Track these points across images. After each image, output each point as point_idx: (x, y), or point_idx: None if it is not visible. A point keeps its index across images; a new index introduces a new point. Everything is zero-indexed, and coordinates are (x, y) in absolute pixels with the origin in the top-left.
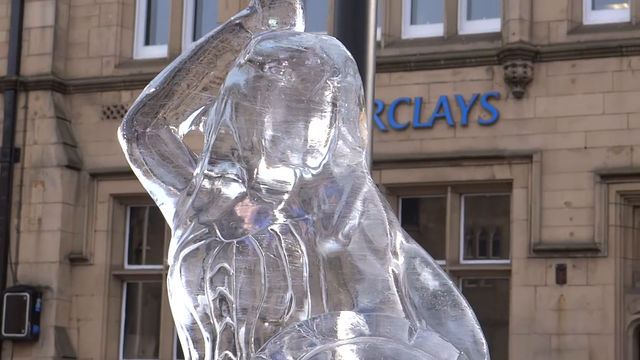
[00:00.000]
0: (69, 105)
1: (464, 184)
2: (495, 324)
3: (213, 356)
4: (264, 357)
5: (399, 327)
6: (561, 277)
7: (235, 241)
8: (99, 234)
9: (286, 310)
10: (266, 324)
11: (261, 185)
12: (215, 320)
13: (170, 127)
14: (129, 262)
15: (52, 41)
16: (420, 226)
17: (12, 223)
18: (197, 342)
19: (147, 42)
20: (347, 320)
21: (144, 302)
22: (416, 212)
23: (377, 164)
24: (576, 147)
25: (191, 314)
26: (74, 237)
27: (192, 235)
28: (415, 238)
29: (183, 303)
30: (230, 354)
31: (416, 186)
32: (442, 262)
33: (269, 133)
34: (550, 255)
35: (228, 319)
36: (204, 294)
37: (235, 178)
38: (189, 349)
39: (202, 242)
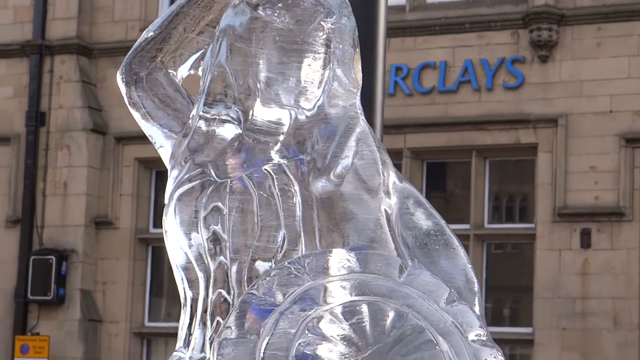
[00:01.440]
0: (94, 69)
1: (489, 148)
2: (520, 289)
3: (207, 295)
4: (254, 293)
5: (390, 264)
6: (586, 241)
7: (228, 180)
8: (124, 198)
9: (279, 250)
10: (258, 263)
11: (256, 127)
12: (209, 259)
13: (169, 70)
14: (154, 226)
15: (77, 5)
16: (444, 191)
17: (38, 187)
18: (192, 282)
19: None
20: (337, 258)
21: (170, 266)
22: (441, 176)
23: (402, 127)
24: (601, 110)
25: (185, 253)
26: (100, 201)
27: (187, 175)
28: (440, 202)
29: (177, 242)
30: (224, 293)
31: (441, 150)
32: (467, 227)
33: (263, 74)
34: (575, 219)
35: (222, 257)
36: (198, 233)
37: (231, 120)
38: (183, 288)
39: (197, 181)
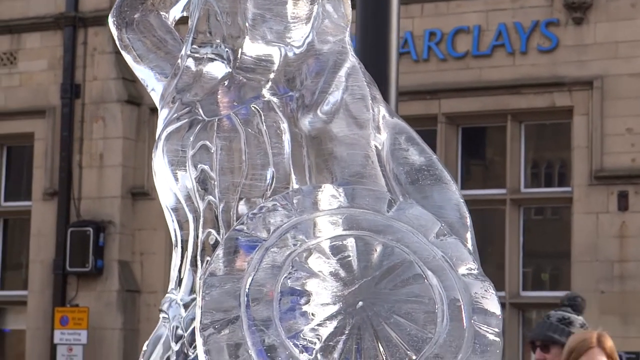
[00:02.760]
0: None
1: (524, 112)
2: (558, 254)
3: (197, 235)
4: (240, 230)
5: (378, 199)
6: (623, 203)
7: (216, 119)
8: None
9: (267, 188)
10: (246, 201)
11: (246, 65)
12: (198, 198)
13: (161, 12)
14: None
15: None
16: (480, 155)
17: (75, 159)
18: (182, 223)
19: None
20: (326, 193)
21: None
22: (478, 142)
23: (436, 93)
24: (637, 72)
25: (175, 194)
26: (135, 172)
27: (175, 115)
28: (476, 168)
29: (167, 183)
30: (214, 232)
31: (476, 115)
32: (503, 191)
33: (251, 12)
34: (612, 182)
35: (210, 197)
36: (186, 172)
37: (220, 59)
38: (174, 229)
39: (185, 120)
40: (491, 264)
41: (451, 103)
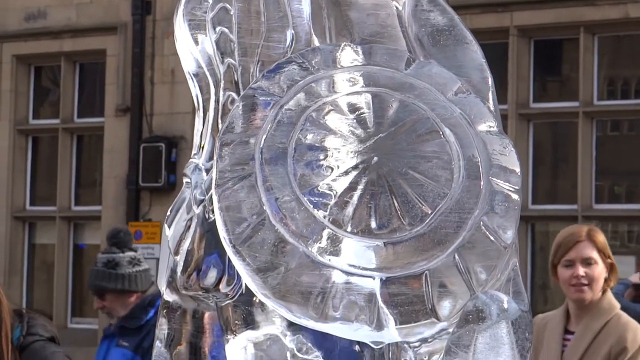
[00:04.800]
0: None
1: (597, 23)
2: (634, 171)
3: (217, 100)
4: (256, 88)
5: (396, 57)
6: None
7: None
8: None
9: (288, 49)
10: (265, 63)
11: None
12: (218, 62)
13: None
14: None
15: None
16: (553, 70)
17: (146, 75)
18: (203, 88)
19: None
20: (345, 52)
21: None
22: (549, 55)
23: (508, 5)
24: None
25: (196, 58)
26: None
27: None
28: (549, 82)
29: (187, 48)
30: (234, 95)
31: (548, 27)
32: (576, 104)
33: None
34: None
35: (230, 59)
36: (206, 35)
37: None
38: (196, 95)
39: None
40: (565, 178)
41: (523, 15)
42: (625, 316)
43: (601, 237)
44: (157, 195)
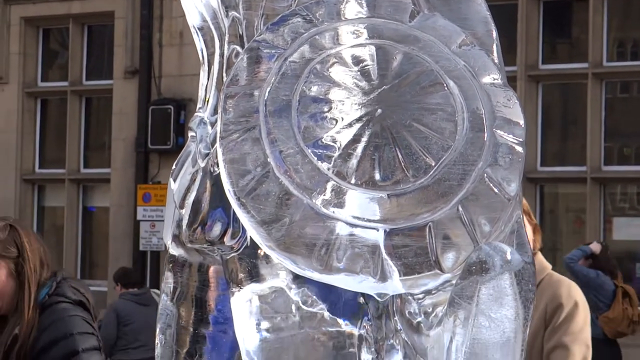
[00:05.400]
0: None
1: None
2: None
3: (222, 53)
4: (260, 40)
5: (400, 9)
6: None
7: None
8: None
9: (292, 3)
10: (269, 17)
11: None
12: (222, 15)
13: None
14: None
15: None
16: (562, 31)
17: (155, 37)
18: (207, 42)
19: None
20: (348, 4)
21: None
22: (558, 17)
23: None
24: None
25: (200, 12)
26: None
27: None
28: (558, 44)
29: (192, 1)
30: (238, 48)
31: None
32: (585, 65)
33: None
34: None
35: (234, 13)
36: None
37: None
38: (201, 49)
39: None
40: (574, 140)
41: None
42: (557, 274)
43: (524, 201)
44: (166, 157)
